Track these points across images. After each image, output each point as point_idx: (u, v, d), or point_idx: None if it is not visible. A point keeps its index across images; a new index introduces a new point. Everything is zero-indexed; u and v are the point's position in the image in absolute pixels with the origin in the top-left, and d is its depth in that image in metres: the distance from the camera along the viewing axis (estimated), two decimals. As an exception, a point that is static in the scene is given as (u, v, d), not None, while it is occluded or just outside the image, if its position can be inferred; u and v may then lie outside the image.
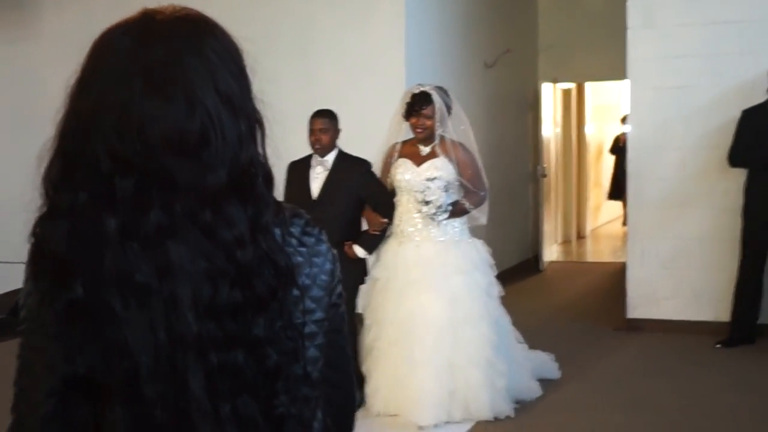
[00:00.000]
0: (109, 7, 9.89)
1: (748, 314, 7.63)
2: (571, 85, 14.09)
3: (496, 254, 10.81)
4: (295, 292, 1.39)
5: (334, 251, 1.52)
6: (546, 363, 6.65)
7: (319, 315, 1.46)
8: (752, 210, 7.48)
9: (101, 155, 1.31)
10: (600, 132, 16.12)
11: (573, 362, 7.20)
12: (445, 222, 5.92)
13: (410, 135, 6.10)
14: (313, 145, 6.02)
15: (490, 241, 10.59)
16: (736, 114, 7.56)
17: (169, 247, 1.29)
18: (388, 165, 6.11)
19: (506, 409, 5.78)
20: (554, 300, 10.09)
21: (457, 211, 5.96)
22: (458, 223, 6.01)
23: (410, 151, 6.05)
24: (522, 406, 5.97)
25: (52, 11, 10.29)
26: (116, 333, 1.29)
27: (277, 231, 1.40)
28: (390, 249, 5.98)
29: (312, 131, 6.02)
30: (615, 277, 10.79)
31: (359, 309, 6.00)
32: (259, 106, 1.46)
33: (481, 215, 6.22)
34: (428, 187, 5.83)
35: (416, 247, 5.90)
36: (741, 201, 7.55)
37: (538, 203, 12.21)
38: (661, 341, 7.82)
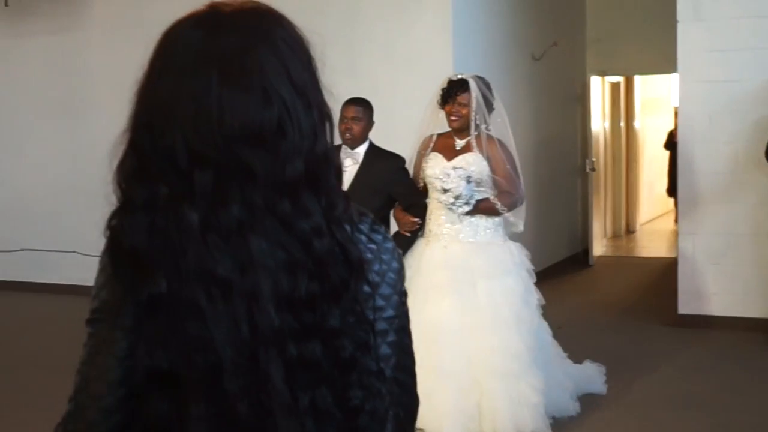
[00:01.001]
0: None
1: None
2: (620, 79, 13.97)
3: (544, 248, 10.79)
4: (366, 288, 1.39)
5: (400, 251, 1.51)
6: (593, 377, 6.24)
7: (389, 313, 1.46)
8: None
9: (179, 149, 1.31)
10: (648, 125, 15.93)
11: (622, 358, 7.14)
12: (476, 222, 5.53)
13: (447, 127, 5.74)
14: (343, 134, 5.56)
15: (538, 235, 10.60)
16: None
17: (250, 240, 1.30)
18: (422, 158, 5.74)
19: (540, 427, 5.28)
20: (603, 295, 10.00)
21: (483, 208, 5.51)
22: (491, 224, 5.59)
23: (444, 144, 5.69)
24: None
25: (100, 1, 10.38)
26: (200, 328, 1.29)
27: (347, 226, 1.39)
28: (416, 249, 5.63)
29: (343, 119, 5.59)
30: (665, 273, 10.68)
31: None
32: (327, 98, 1.45)
33: (517, 221, 5.75)
34: (448, 175, 5.41)
35: (443, 248, 5.53)
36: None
37: (587, 197, 12.12)
38: (712, 338, 7.73)
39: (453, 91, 5.57)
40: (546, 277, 10.68)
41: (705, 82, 8.04)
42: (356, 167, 5.58)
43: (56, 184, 10.66)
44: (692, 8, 8.04)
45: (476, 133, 5.58)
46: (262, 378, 1.30)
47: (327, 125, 1.41)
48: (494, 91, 5.76)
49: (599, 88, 12.42)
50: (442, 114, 5.68)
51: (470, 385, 5.29)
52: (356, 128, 5.58)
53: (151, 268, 1.30)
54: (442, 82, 5.69)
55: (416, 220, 5.57)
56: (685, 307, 8.18)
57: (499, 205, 5.53)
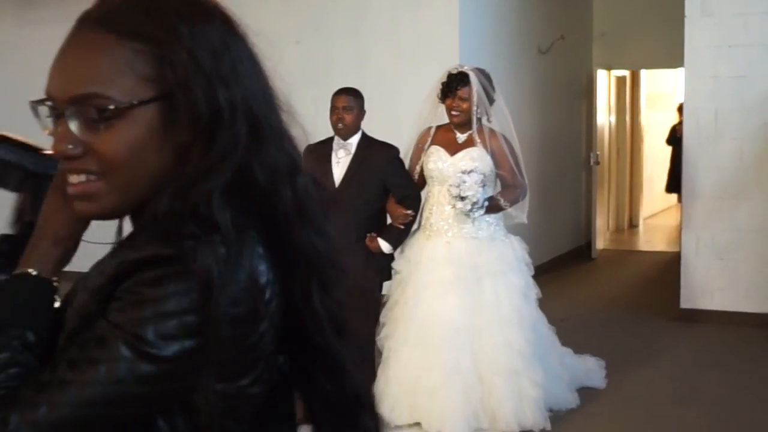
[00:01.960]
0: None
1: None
2: (626, 73, 13.95)
3: (547, 241, 10.80)
4: None
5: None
6: (591, 371, 6.21)
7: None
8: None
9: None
10: (652, 120, 15.91)
11: (625, 352, 7.16)
12: (479, 218, 5.44)
13: (446, 120, 5.64)
14: (334, 125, 5.45)
15: (541, 228, 10.60)
16: (795, 103, 7.45)
17: None
18: (420, 150, 5.62)
19: (540, 420, 5.31)
20: (606, 289, 10.01)
21: (491, 206, 5.42)
22: (493, 219, 5.52)
23: (445, 138, 5.57)
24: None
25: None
26: None
27: None
28: (416, 242, 5.51)
29: (334, 109, 5.48)
30: (668, 267, 10.69)
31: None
32: None
33: (520, 213, 5.72)
34: (464, 182, 5.25)
35: (447, 244, 5.43)
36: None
37: (591, 191, 12.12)
38: (715, 333, 7.73)
39: (453, 85, 5.46)
40: (548, 270, 10.70)
41: (712, 78, 8.03)
42: (349, 158, 5.45)
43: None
44: (700, 3, 8.03)
45: (478, 126, 5.48)
46: None
47: None
48: (495, 84, 5.67)
49: (605, 82, 12.41)
50: (441, 108, 5.60)
51: (474, 382, 5.24)
52: (348, 118, 5.44)
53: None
54: (441, 76, 5.58)
55: (409, 212, 5.41)
56: (687, 302, 8.19)
57: (502, 202, 5.46)
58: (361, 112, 5.51)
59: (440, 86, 5.53)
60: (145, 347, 1.16)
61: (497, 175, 5.52)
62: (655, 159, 15.60)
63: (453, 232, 5.43)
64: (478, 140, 5.46)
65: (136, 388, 1.18)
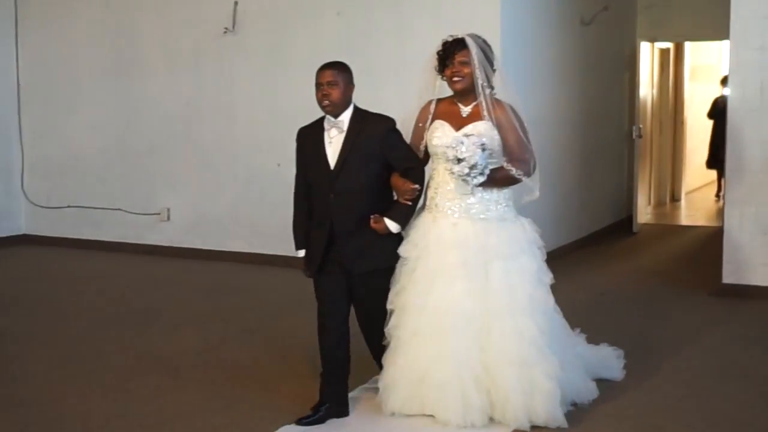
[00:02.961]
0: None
1: None
2: (670, 45, 13.81)
3: (589, 214, 10.75)
4: None
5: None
6: (608, 361, 5.82)
7: None
8: None
9: None
10: (696, 93, 15.74)
11: (666, 325, 7.11)
12: (487, 197, 5.05)
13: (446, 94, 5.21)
14: (320, 102, 5.03)
15: (583, 201, 10.55)
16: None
17: None
18: (421, 129, 5.20)
19: (556, 416, 4.92)
20: (647, 263, 9.95)
21: (500, 178, 5.01)
22: (503, 198, 5.10)
23: (448, 111, 5.15)
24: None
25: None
26: None
27: None
28: (422, 225, 5.11)
29: (318, 86, 5.03)
30: (709, 242, 10.60)
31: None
32: None
33: (534, 185, 5.21)
34: (461, 143, 4.82)
35: (453, 226, 5.03)
36: None
37: (633, 165, 12.03)
38: (756, 308, 7.66)
39: (450, 51, 5.06)
40: (589, 243, 10.67)
41: (757, 50, 7.91)
42: (342, 136, 5.04)
43: (104, 142, 10.77)
44: (747, -26, 7.91)
45: (485, 96, 5.05)
46: None
47: None
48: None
49: (648, 55, 12.29)
50: (439, 82, 5.18)
51: (481, 373, 4.92)
52: (334, 93, 4.99)
53: None
54: (436, 48, 5.15)
55: (416, 186, 5.02)
56: (729, 277, 8.11)
57: (514, 171, 5.03)
58: (348, 86, 5.08)
59: (437, 57, 5.13)
60: None
61: (503, 149, 5.08)
62: (698, 132, 15.44)
63: (460, 213, 5.05)
64: (485, 113, 5.05)
65: None
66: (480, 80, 5.02)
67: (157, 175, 10.38)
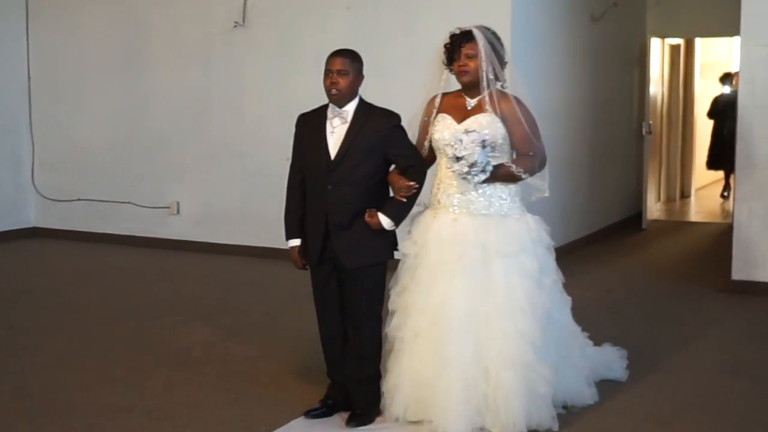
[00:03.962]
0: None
1: None
2: (680, 41, 13.77)
3: (598, 210, 10.72)
4: None
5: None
6: (611, 362, 5.72)
7: None
8: None
9: None
10: (706, 89, 15.71)
11: (673, 322, 7.11)
12: (490, 192, 4.89)
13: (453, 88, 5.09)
14: (328, 90, 4.88)
15: (592, 197, 10.53)
16: None
17: None
18: (426, 124, 5.06)
19: (546, 420, 4.83)
20: (656, 259, 9.94)
21: (501, 175, 4.83)
22: (507, 194, 4.93)
23: (453, 104, 5.02)
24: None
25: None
26: None
27: None
28: (423, 221, 5.00)
29: (327, 73, 4.89)
30: (719, 239, 10.59)
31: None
32: None
33: (542, 184, 5.05)
34: (460, 140, 4.69)
35: (453, 221, 4.89)
36: None
37: (642, 161, 12.02)
38: (766, 305, 7.65)
39: (457, 44, 4.91)
40: (598, 239, 10.66)
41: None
42: (345, 127, 4.91)
43: (114, 136, 10.79)
44: (757, -30, 7.89)
45: (489, 90, 4.90)
46: None
47: None
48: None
49: (658, 51, 12.26)
50: (446, 75, 5.06)
51: (478, 375, 4.78)
52: (342, 82, 4.86)
53: None
54: (444, 41, 5.02)
55: (412, 183, 4.84)
56: (739, 274, 8.10)
57: (514, 168, 4.85)
58: (358, 77, 4.95)
59: (444, 51, 5.00)
60: None
61: (511, 143, 4.94)
62: (708, 129, 15.38)
63: (461, 209, 4.91)
64: (487, 106, 4.89)
65: None
66: (486, 73, 4.87)
67: (167, 168, 10.40)
